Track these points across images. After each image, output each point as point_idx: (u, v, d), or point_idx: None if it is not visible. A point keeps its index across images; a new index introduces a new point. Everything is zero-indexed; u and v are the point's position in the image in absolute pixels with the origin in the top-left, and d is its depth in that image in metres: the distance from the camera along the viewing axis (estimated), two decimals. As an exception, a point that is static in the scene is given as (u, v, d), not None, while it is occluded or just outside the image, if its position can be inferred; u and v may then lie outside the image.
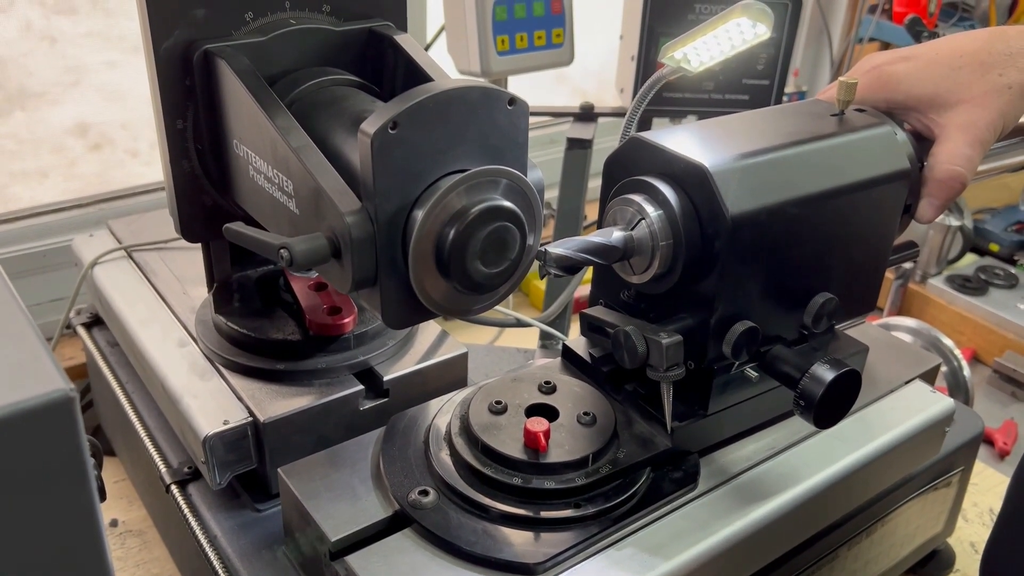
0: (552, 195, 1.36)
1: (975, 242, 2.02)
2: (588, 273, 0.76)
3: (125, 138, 1.43)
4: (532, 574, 0.60)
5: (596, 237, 0.63)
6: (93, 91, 1.38)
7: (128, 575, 0.92)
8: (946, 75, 0.70)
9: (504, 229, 0.59)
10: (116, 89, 1.40)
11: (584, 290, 1.32)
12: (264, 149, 0.66)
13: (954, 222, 1.88)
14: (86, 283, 0.97)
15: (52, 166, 1.37)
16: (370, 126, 0.55)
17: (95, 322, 1.00)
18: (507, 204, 0.59)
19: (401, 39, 0.73)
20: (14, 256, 1.24)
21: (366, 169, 0.56)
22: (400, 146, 0.56)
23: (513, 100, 0.60)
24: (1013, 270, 1.95)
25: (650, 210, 0.63)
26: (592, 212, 1.53)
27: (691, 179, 0.62)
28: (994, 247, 2.04)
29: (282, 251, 0.58)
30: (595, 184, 1.16)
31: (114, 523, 0.98)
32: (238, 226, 0.62)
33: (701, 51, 0.72)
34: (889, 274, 1.81)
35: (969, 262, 1.99)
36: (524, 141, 0.62)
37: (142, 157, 1.45)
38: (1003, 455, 1.58)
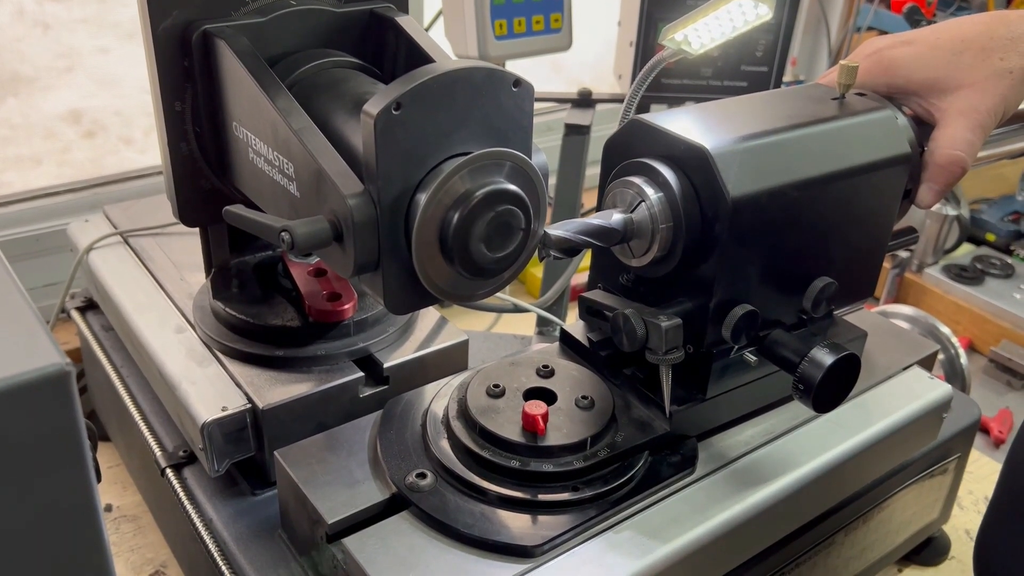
0: (549, 182, 1.36)
1: (972, 232, 2.02)
2: (585, 260, 0.76)
3: (119, 125, 1.43)
4: (530, 557, 0.60)
5: (596, 219, 0.63)
6: (86, 78, 1.37)
7: (122, 560, 0.92)
8: (947, 60, 0.70)
9: (509, 213, 0.59)
10: (110, 76, 1.39)
11: (580, 278, 1.33)
12: (264, 131, 0.65)
13: (951, 211, 1.88)
14: (81, 269, 0.96)
15: (45, 152, 1.36)
16: (373, 107, 0.54)
17: (89, 306, 1.00)
18: (512, 187, 0.59)
19: (403, 21, 0.72)
20: (7, 240, 1.23)
21: (369, 151, 0.56)
22: (403, 127, 0.55)
23: (518, 82, 0.59)
24: (1009, 260, 1.95)
25: (650, 192, 0.63)
26: (588, 200, 1.53)
27: (692, 161, 0.62)
28: (991, 237, 2.04)
29: (283, 234, 0.57)
30: (592, 172, 1.16)
31: (108, 508, 0.98)
32: (238, 209, 0.62)
33: (702, 33, 0.72)
34: (886, 263, 1.81)
35: (965, 252, 1.99)
36: (529, 124, 0.61)
37: (136, 145, 1.44)
38: (998, 443, 1.58)
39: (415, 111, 0.55)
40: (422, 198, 0.57)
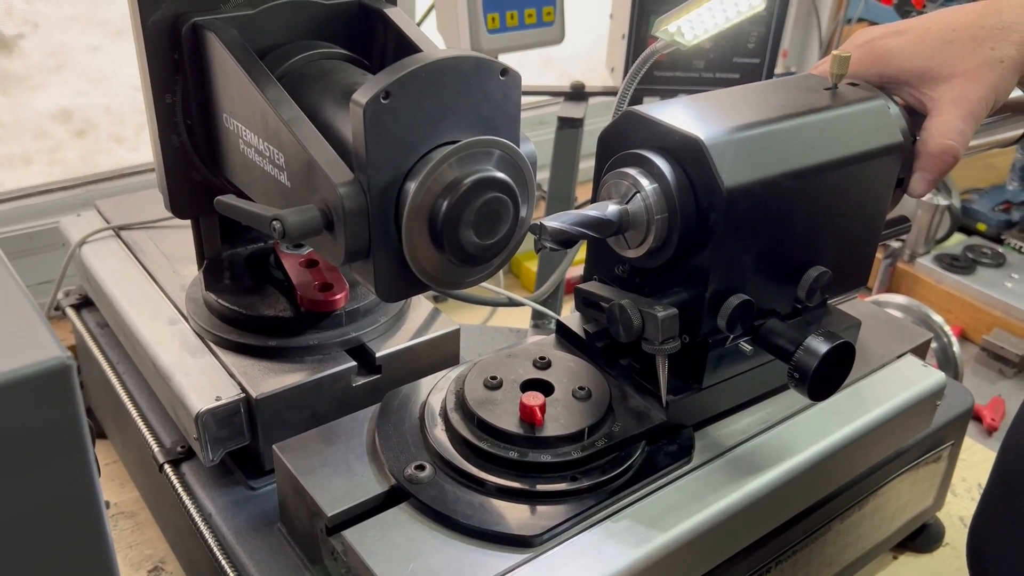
0: (543, 176, 1.36)
1: (963, 222, 2.03)
2: (580, 253, 0.76)
3: (110, 123, 1.42)
4: (529, 547, 0.60)
5: (591, 210, 0.63)
6: (76, 76, 1.37)
7: (121, 556, 0.91)
8: (938, 49, 0.70)
9: (497, 200, 0.59)
10: (100, 74, 1.39)
11: (575, 271, 1.33)
12: (255, 122, 0.65)
13: (942, 201, 1.89)
14: (74, 264, 0.96)
15: (36, 151, 1.36)
16: (362, 96, 0.54)
17: (84, 304, 0.99)
18: (500, 175, 0.59)
19: (391, 13, 0.72)
20: (0, 238, 1.23)
21: (358, 140, 0.56)
22: (392, 116, 0.55)
23: (505, 71, 0.59)
24: (1000, 249, 1.96)
25: (645, 183, 0.63)
26: (582, 194, 1.53)
27: (686, 152, 0.62)
28: (981, 226, 2.05)
29: (274, 223, 0.57)
30: (585, 166, 1.16)
31: (106, 505, 0.97)
32: (230, 198, 0.62)
33: (695, 23, 0.72)
34: (878, 254, 1.82)
35: (957, 241, 2.00)
36: (517, 113, 0.61)
37: (127, 143, 1.44)
38: (991, 431, 1.59)
39: (404, 100, 0.55)
40: (412, 186, 0.57)
